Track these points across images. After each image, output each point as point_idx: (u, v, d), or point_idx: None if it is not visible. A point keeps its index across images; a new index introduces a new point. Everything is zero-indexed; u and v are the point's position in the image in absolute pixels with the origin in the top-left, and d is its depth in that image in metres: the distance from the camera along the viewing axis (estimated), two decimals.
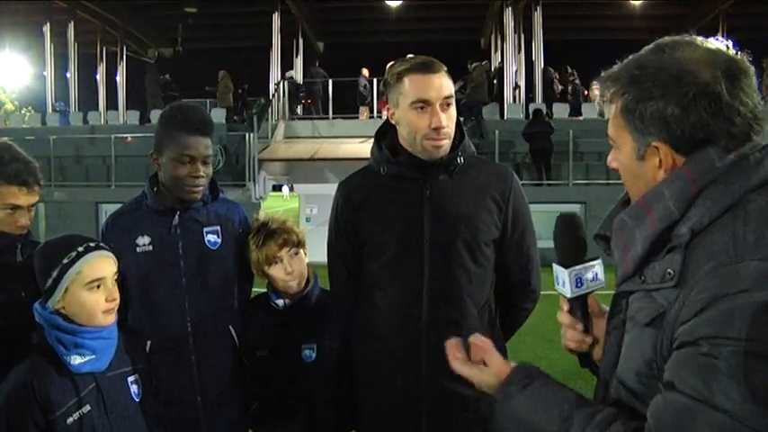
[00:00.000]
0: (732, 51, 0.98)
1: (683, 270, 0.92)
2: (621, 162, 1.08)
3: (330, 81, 17.26)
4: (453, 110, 1.84)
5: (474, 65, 14.70)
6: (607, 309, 1.16)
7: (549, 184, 12.46)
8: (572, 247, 1.20)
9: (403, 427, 1.88)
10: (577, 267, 1.18)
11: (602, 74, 1.08)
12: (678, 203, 0.95)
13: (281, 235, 1.99)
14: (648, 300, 0.98)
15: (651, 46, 1.02)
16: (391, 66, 1.88)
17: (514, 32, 16.75)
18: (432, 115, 1.78)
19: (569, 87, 16.17)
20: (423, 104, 1.78)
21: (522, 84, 16.71)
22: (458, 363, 1.20)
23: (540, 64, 15.99)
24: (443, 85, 1.80)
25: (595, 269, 1.19)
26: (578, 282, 1.18)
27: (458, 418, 1.86)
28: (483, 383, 1.16)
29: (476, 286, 1.86)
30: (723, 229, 0.91)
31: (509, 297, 1.98)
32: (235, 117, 15.95)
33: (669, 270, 0.94)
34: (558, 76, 16.31)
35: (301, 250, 2.04)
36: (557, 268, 1.20)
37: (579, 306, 1.20)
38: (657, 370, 0.95)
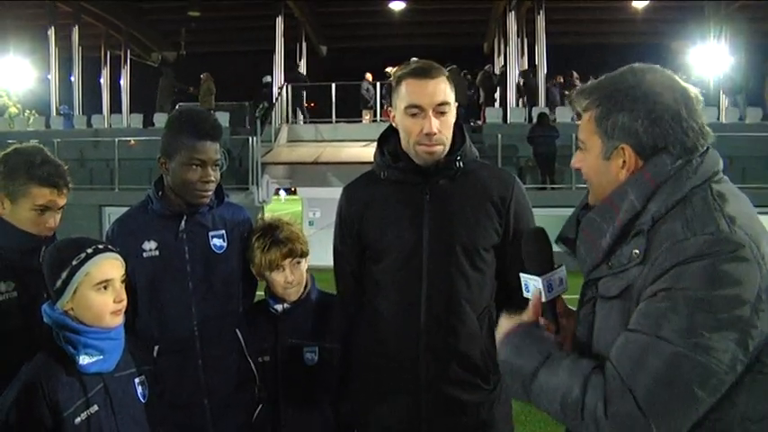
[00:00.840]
0: (686, 83, 1.22)
1: (647, 249, 1.14)
2: (588, 162, 1.29)
3: (334, 85, 17.22)
4: (450, 116, 1.82)
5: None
6: (573, 309, 1.33)
7: (552, 188, 12.47)
8: (544, 257, 1.37)
9: (403, 431, 1.88)
10: (548, 275, 1.34)
11: (578, 88, 1.30)
12: (639, 199, 1.18)
13: (286, 245, 2.00)
14: (616, 279, 1.19)
15: (624, 68, 1.25)
16: (395, 70, 1.89)
17: (517, 36, 16.75)
18: (424, 120, 1.77)
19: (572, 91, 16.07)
20: (416, 109, 1.78)
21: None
22: (504, 317, 1.39)
23: (543, 68, 15.98)
24: (438, 90, 1.78)
25: (561, 275, 1.36)
26: (550, 287, 1.34)
27: (457, 422, 1.85)
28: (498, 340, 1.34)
29: (474, 291, 1.85)
30: (677, 217, 1.14)
31: (510, 303, 1.97)
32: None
33: (635, 250, 1.16)
34: (562, 80, 16.27)
35: (303, 259, 2.05)
36: (528, 277, 1.36)
37: (550, 309, 1.35)
38: None
